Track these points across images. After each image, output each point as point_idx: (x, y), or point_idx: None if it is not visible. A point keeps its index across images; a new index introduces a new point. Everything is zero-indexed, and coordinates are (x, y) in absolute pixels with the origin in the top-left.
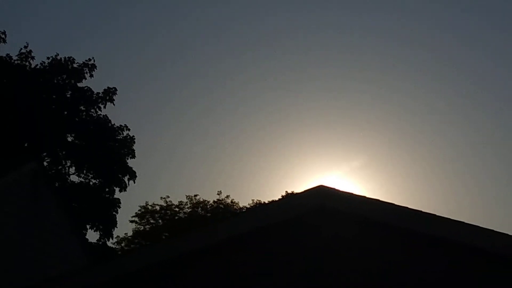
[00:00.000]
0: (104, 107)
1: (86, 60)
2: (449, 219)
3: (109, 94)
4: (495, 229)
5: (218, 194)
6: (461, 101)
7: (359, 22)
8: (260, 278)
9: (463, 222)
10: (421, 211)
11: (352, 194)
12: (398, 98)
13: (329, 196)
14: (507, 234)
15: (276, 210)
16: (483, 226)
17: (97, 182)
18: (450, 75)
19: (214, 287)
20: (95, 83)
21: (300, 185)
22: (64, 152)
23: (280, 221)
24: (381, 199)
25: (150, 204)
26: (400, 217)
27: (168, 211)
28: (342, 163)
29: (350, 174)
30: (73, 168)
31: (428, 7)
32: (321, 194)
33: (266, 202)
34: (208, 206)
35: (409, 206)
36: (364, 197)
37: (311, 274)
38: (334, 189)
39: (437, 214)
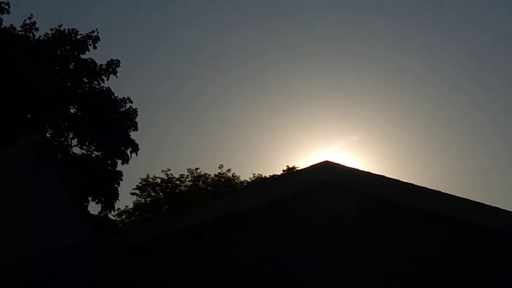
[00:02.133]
0: (107, 79)
1: (89, 32)
2: (455, 196)
3: (112, 66)
4: (498, 207)
5: (219, 167)
6: (460, 75)
7: None
8: (265, 253)
9: (468, 199)
10: (426, 188)
11: (357, 170)
12: (396, 72)
13: (335, 171)
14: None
15: (281, 185)
16: (484, 203)
17: (99, 154)
18: (449, 50)
19: (218, 262)
20: (98, 55)
21: (300, 160)
22: (66, 124)
23: (285, 196)
24: (380, 174)
25: (151, 177)
26: (405, 193)
27: (169, 184)
28: (340, 137)
29: (348, 149)
30: (76, 140)
31: None
32: (327, 169)
33: (267, 176)
34: (209, 180)
35: (406, 181)
36: (370, 173)
37: (315, 249)
38: (339, 164)
39: (442, 191)
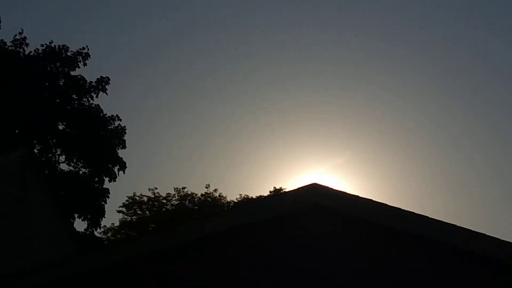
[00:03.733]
0: (97, 96)
1: (80, 49)
2: (441, 221)
3: (101, 84)
4: (484, 232)
5: (206, 187)
6: (445, 98)
7: (348, 20)
8: (252, 273)
9: (455, 225)
10: (413, 213)
11: (345, 193)
12: (382, 94)
13: (323, 194)
14: (496, 238)
15: (269, 206)
16: (469, 227)
17: (86, 171)
18: (434, 72)
19: (204, 281)
20: (88, 72)
21: (286, 182)
22: (54, 140)
23: (273, 218)
24: (363, 196)
25: (138, 195)
26: (393, 217)
27: (155, 203)
28: (326, 159)
29: (334, 171)
30: (63, 156)
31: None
32: (315, 192)
33: (254, 197)
34: (196, 199)
35: (391, 203)
36: (357, 196)
37: (302, 271)
38: (327, 187)
39: (429, 216)
